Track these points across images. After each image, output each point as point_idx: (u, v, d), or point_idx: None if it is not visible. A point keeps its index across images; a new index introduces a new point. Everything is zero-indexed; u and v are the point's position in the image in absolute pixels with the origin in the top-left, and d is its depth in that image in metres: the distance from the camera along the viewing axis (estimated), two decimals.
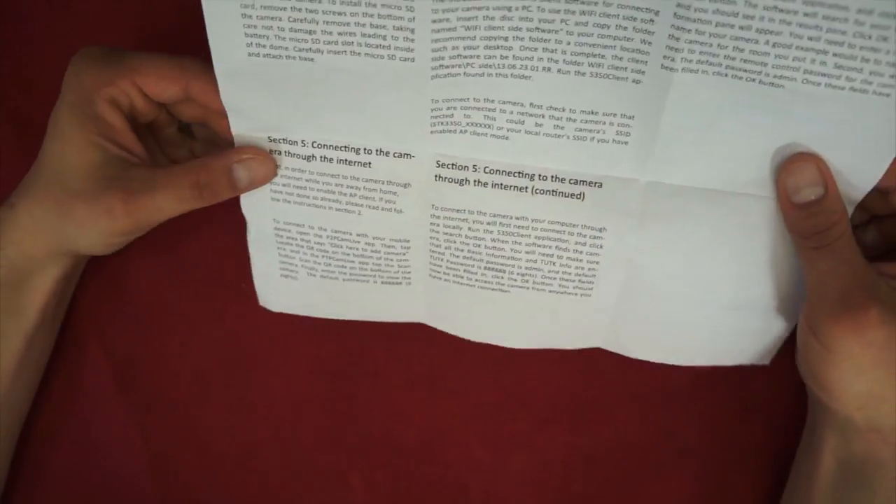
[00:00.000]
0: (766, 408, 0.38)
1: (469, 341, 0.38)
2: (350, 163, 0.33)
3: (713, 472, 0.39)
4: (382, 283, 0.36)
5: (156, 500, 0.40)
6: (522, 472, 0.39)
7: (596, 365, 0.38)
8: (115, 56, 0.32)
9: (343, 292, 0.37)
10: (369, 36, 0.29)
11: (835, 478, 0.33)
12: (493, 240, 0.34)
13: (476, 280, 0.35)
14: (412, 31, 0.28)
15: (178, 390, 0.40)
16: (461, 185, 0.33)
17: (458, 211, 0.33)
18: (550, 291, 0.35)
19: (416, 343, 0.38)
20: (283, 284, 0.37)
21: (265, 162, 0.32)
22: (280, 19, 0.28)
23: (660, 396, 0.39)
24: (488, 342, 0.37)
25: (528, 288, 0.35)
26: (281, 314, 0.38)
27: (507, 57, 0.29)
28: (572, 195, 0.32)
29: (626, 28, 0.28)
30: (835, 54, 0.26)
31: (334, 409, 0.40)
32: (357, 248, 0.35)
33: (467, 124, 0.31)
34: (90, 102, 0.32)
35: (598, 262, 0.34)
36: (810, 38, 0.26)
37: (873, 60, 0.26)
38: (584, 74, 0.29)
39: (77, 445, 0.40)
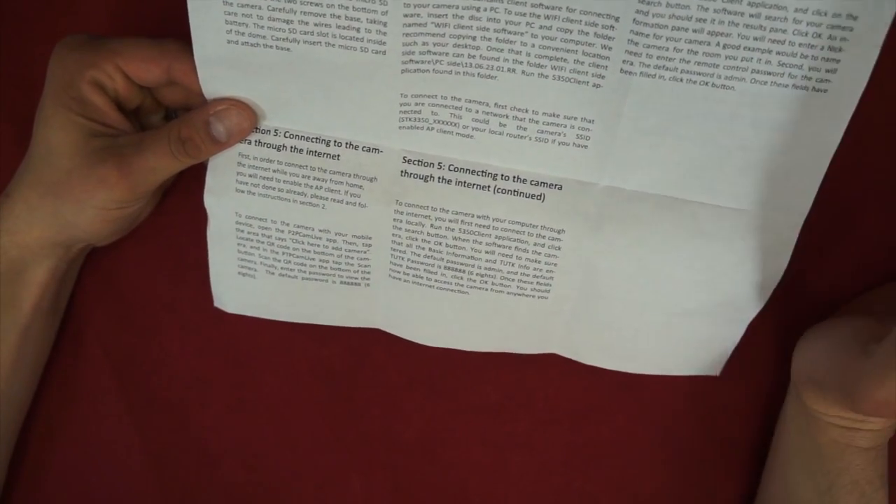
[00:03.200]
0: (765, 408, 0.38)
1: None
2: (319, 154, 0.33)
3: (712, 471, 0.39)
4: (341, 282, 0.36)
5: (155, 500, 0.40)
6: (522, 472, 0.39)
7: (596, 365, 0.38)
8: (97, 41, 0.33)
9: (301, 293, 0.37)
10: (344, 28, 0.30)
11: (793, 421, 0.35)
12: (454, 238, 0.34)
13: (436, 280, 0.36)
14: (385, 24, 0.29)
15: (178, 390, 0.40)
16: (426, 181, 0.33)
17: (421, 207, 0.34)
18: (509, 293, 0.35)
19: (416, 343, 0.38)
20: (241, 284, 0.37)
21: (241, 110, 0.32)
22: (259, 7, 0.30)
23: (660, 396, 0.39)
24: (445, 346, 0.38)
25: (486, 289, 0.35)
26: None
27: (474, 56, 0.30)
28: (533, 196, 0.33)
29: (587, 33, 0.29)
30: (778, 52, 0.28)
31: (334, 409, 0.40)
32: (318, 245, 0.35)
33: (434, 121, 0.32)
34: (73, 86, 0.32)
35: (555, 264, 0.34)
36: (756, 38, 0.28)
37: (811, 56, 0.28)
38: (546, 77, 0.30)
39: (76, 445, 0.40)
